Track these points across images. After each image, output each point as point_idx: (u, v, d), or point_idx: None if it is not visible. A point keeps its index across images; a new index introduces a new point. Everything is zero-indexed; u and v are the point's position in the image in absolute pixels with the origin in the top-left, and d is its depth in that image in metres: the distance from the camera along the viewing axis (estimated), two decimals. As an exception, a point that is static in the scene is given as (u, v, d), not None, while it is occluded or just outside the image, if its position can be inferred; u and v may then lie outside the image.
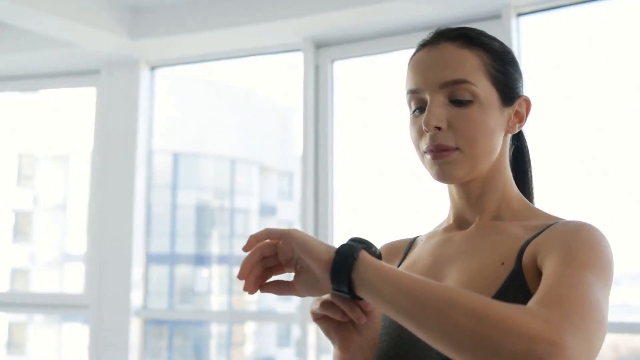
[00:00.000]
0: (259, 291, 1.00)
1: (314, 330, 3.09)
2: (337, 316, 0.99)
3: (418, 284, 0.88)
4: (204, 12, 3.23)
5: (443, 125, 1.08)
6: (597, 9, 2.80)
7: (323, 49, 3.25)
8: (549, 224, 1.07)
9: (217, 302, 10.58)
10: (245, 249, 0.97)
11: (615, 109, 2.78)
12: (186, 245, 10.30)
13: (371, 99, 3.43)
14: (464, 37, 1.12)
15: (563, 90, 2.78)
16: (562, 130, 2.64)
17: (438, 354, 0.99)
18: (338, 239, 3.15)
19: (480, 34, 1.15)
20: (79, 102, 4.16)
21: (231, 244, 11.10)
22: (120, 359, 3.36)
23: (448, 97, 1.09)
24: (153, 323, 3.54)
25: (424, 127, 1.09)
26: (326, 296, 1.00)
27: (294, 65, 3.42)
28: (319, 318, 1.03)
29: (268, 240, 0.97)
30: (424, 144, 1.11)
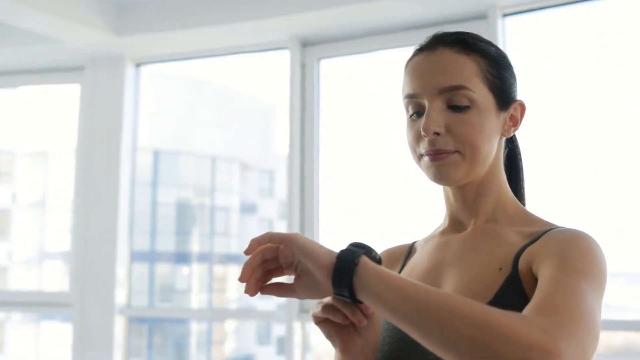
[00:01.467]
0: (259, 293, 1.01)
1: (299, 328, 3.09)
2: (338, 319, 1.01)
3: (419, 290, 0.90)
4: (191, 9, 3.22)
5: (442, 130, 1.10)
6: (583, 11, 2.84)
7: (309, 48, 3.25)
8: (544, 231, 1.09)
9: (197, 300, 10.54)
10: (246, 252, 0.98)
11: (601, 109, 2.81)
12: (166, 243, 10.23)
13: (357, 97, 3.44)
14: (461, 42, 1.14)
15: (548, 91, 2.81)
16: (547, 130, 2.67)
17: (439, 357, 1.00)
18: (323, 239, 3.16)
19: (477, 39, 1.16)
20: (60, 99, 4.12)
21: (212, 242, 11.06)
22: (105, 357, 3.34)
23: (446, 102, 1.11)
24: (133, 321, 3.52)
25: (422, 133, 1.11)
26: (327, 299, 1.01)
27: (278, 63, 3.42)
28: (320, 321, 1.04)
29: (269, 244, 0.98)
30: (422, 148, 1.13)
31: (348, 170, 3.43)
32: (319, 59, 3.25)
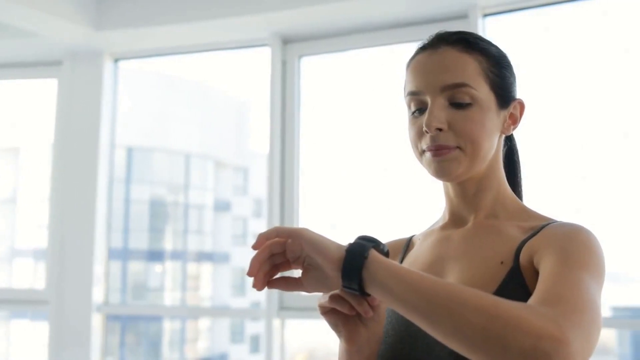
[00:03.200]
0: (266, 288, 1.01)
1: (278, 326, 3.09)
2: (345, 309, 1.01)
3: (428, 282, 0.91)
4: (171, 4, 3.20)
5: (444, 126, 1.12)
6: (562, 11, 2.87)
7: (290, 45, 3.25)
8: (543, 225, 1.11)
9: (170, 298, 10.49)
10: (254, 247, 0.99)
11: (580, 108, 2.85)
12: (139, 241, 10.18)
13: (338, 95, 3.44)
14: (463, 41, 1.16)
15: (527, 91, 2.84)
16: (529, 129, 2.70)
17: (444, 348, 1.02)
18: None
19: (478, 39, 1.19)
20: (36, 94, 4.07)
21: (185, 239, 11.02)
22: (82, 355, 3.31)
23: (448, 99, 1.13)
24: (107, 319, 3.49)
25: (425, 129, 1.13)
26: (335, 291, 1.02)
27: (254, 60, 3.41)
28: (327, 311, 1.05)
29: (277, 239, 0.98)
30: (424, 145, 1.15)
31: (328, 169, 3.43)
32: (299, 57, 3.25)
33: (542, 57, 3.01)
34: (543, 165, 2.81)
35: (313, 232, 0.97)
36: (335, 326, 1.07)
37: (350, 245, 0.96)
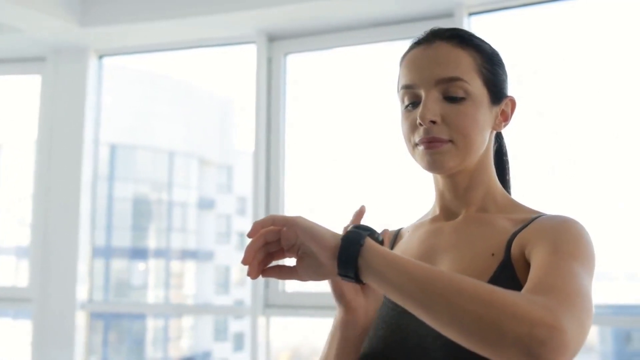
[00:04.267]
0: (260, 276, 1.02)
1: (263, 324, 3.09)
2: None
3: (424, 270, 0.92)
4: (157, 1, 3.18)
5: (438, 119, 1.13)
6: (547, 11, 2.89)
7: (276, 42, 3.25)
8: (533, 217, 1.13)
9: (153, 296, 10.43)
10: (249, 235, 0.99)
11: (565, 107, 2.88)
12: (122, 239, 10.11)
13: (324, 93, 3.44)
14: (457, 37, 1.18)
15: (512, 89, 2.85)
16: (512, 127, 2.71)
17: (436, 341, 1.02)
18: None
19: (472, 36, 1.20)
20: (18, 90, 4.03)
21: (169, 237, 10.95)
22: (65, 353, 3.29)
23: (442, 93, 1.14)
24: (91, 317, 3.47)
25: (418, 121, 1.14)
26: None
27: (239, 58, 3.40)
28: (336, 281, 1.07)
29: (272, 227, 0.99)
30: (417, 137, 1.16)
31: (313, 167, 3.43)
32: (285, 54, 3.25)
33: (528, 55, 3.03)
34: (528, 163, 2.82)
35: (308, 220, 0.98)
36: (339, 295, 1.08)
37: (346, 233, 0.97)
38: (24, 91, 3.81)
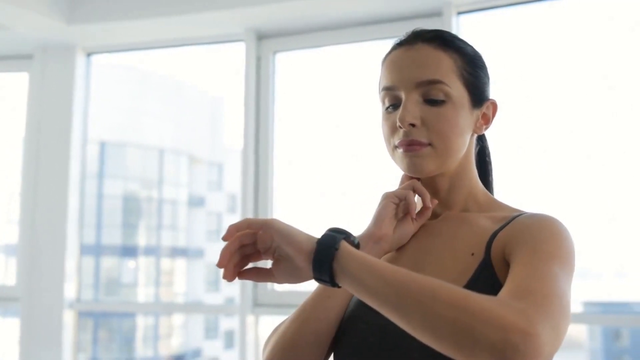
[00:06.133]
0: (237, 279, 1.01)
1: (252, 322, 3.09)
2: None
3: (399, 274, 0.91)
4: (145, -1, 3.17)
5: (417, 122, 1.13)
6: (536, 10, 2.90)
7: (265, 40, 3.24)
8: (514, 216, 1.12)
9: (144, 294, 10.42)
10: (224, 238, 0.98)
11: (552, 106, 2.89)
12: (112, 236, 10.10)
13: (313, 91, 3.44)
14: (439, 39, 1.17)
15: (500, 88, 2.86)
16: (500, 127, 2.72)
17: (415, 339, 1.02)
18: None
19: (455, 37, 1.19)
20: (5, 87, 4.00)
21: (159, 235, 10.94)
22: (54, 352, 3.27)
23: (422, 96, 1.14)
24: (79, 316, 3.46)
25: (398, 124, 1.13)
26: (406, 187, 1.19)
27: (229, 56, 3.39)
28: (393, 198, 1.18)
29: (247, 230, 0.98)
30: (397, 139, 1.15)
31: (302, 164, 3.43)
32: (274, 52, 3.24)
33: (516, 55, 3.04)
34: (515, 161, 2.83)
35: (284, 223, 0.97)
36: (394, 210, 1.17)
37: (321, 236, 0.96)
38: (11, 89, 3.79)
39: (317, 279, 0.96)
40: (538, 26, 3.01)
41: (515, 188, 2.76)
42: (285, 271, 0.99)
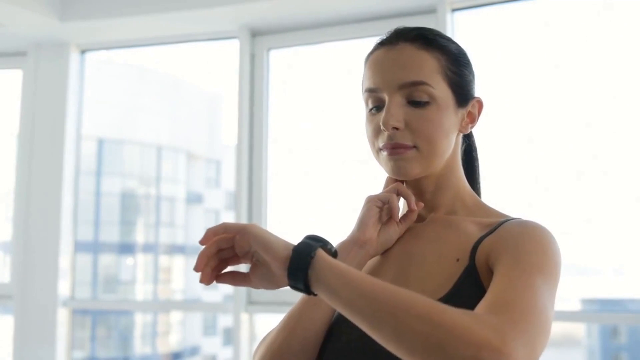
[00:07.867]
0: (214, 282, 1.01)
1: (246, 320, 3.08)
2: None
3: (375, 285, 0.90)
4: (138, -5, 3.16)
5: (401, 125, 1.11)
6: (531, 7, 2.89)
7: (259, 37, 3.23)
8: (500, 222, 1.10)
9: (142, 291, 10.42)
10: (202, 242, 0.97)
11: (547, 104, 2.88)
12: (110, 234, 10.10)
13: (307, 88, 3.44)
14: (422, 38, 1.14)
15: (495, 86, 2.86)
16: (494, 125, 2.72)
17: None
18: (271, 231, 3.14)
19: (438, 36, 1.17)
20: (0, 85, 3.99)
21: (157, 232, 10.94)
22: (48, 350, 3.27)
23: (406, 97, 1.12)
24: (76, 313, 3.46)
25: (382, 127, 1.12)
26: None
27: (226, 53, 3.38)
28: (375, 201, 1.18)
29: (225, 235, 0.97)
30: (381, 142, 1.14)
31: (296, 162, 3.42)
32: (268, 49, 3.23)
33: (510, 51, 3.03)
34: (511, 159, 2.83)
35: (261, 229, 0.96)
36: (378, 213, 1.16)
37: (297, 244, 0.95)
38: (5, 86, 3.78)
39: (292, 287, 0.95)
40: (533, 23, 3.00)
41: (514, 187, 2.75)
42: (262, 277, 0.98)
